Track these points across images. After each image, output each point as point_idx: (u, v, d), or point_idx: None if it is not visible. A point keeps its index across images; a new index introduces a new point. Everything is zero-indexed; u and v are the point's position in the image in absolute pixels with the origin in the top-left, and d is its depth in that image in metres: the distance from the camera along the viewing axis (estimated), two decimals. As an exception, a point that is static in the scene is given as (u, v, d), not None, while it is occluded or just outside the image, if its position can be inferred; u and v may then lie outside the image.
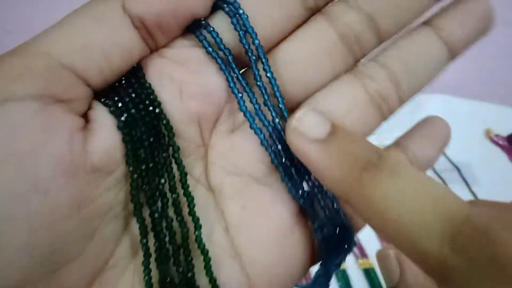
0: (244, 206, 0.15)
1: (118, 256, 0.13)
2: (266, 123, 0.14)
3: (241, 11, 0.14)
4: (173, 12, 0.13)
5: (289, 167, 0.14)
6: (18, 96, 0.11)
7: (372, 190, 0.11)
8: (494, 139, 0.58)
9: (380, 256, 0.16)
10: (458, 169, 0.52)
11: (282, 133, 0.14)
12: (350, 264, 0.40)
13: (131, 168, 0.13)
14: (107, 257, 0.13)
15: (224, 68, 0.14)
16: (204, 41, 0.14)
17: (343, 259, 0.15)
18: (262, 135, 0.14)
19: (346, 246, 0.15)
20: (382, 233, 0.11)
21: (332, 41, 0.15)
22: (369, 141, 0.13)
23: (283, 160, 0.14)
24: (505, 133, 0.58)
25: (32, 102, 0.11)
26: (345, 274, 0.39)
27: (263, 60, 0.14)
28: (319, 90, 0.15)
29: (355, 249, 0.41)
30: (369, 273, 0.39)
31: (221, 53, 0.14)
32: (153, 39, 0.14)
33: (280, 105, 0.14)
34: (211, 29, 0.14)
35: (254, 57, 0.14)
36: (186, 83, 0.14)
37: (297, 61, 0.15)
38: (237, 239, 0.14)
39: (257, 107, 0.14)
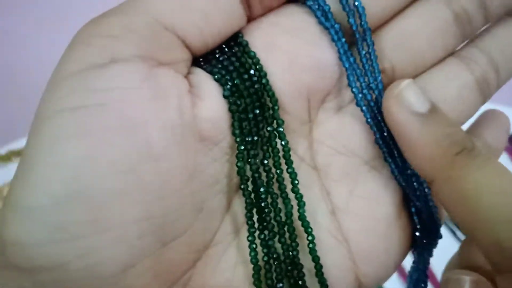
0: (352, 191, 0.14)
1: (222, 231, 0.13)
2: (372, 102, 0.14)
3: None
4: None
5: (393, 148, 0.14)
6: (123, 57, 0.11)
7: (463, 176, 0.11)
8: (494, 139, 0.58)
9: (449, 281, 0.14)
10: (458, 169, 0.52)
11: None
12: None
13: (238, 139, 0.13)
14: (214, 232, 0.13)
15: (336, 41, 0.13)
16: (317, 11, 0.13)
17: (433, 248, 0.16)
18: (368, 114, 0.14)
19: (434, 237, 0.15)
20: (461, 221, 0.12)
21: (447, 20, 0.15)
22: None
23: (388, 140, 0.14)
24: (505, 133, 0.58)
25: (139, 63, 0.11)
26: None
27: (369, 44, 0.14)
28: (428, 69, 0.15)
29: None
30: (369, 273, 0.39)
31: (333, 25, 0.14)
32: (253, 5, 0.13)
33: (380, 86, 0.14)
34: (324, 1, 0.13)
35: (360, 39, 0.14)
36: (297, 55, 0.14)
37: (410, 36, 0.15)
38: (344, 224, 0.14)
39: (364, 85, 0.14)
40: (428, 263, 0.16)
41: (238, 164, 0.13)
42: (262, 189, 0.13)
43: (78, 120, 0.10)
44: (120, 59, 0.11)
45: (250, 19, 0.14)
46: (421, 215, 0.15)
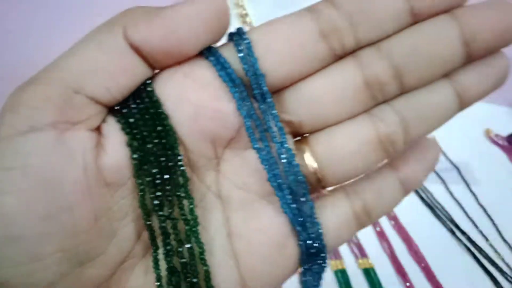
0: (245, 219, 0.16)
1: (134, 253, 0.15)
2: (267, 146, 0.16)
3: (251, 56, 0.15)
4: (166, 53, 0.14)
5: (283, 187, 0.16)
6: (39, 125, 0.13)
7: None
8: (494, 139, 0.58)
9: None
10: (458, 169, 0.52)
11: (281, 157, 0.16)
12: (350, 264, 0.40)
13: (140, 187, 0.15)
14: (128, 251, 0.15)
15: (234, 93, 0.15)
16: (218, 68, 0.15)
17: (321, 272, 0.17)
18: (261, 155, 0.16)
19: (321, 263, 0.17)
20: None
21: (357, 85, 0.16)
22: None
23: (278, 180, 0.16)
24: (505, 133, 0.59)
25: (51, 130, 0.13)
26: (345, 274, 0.39)
27: (270, 106, 0.15)
28: (336, 123, 0.16)
29: (355, 249, 0.41)
30: (369, 273, 0.39)
31: (232, 81, 0.15)
32: (155, 63, 0.15)
33: (281, 136, 0.16)
34: (223, 60, 0.15)
35: (262, 100, 0.15)
36: (202, 106, 0.15)
37: (319, 98, 0.16)
38: (236, 246, 0.16)
39: (262, 132, 0.16)
40: (317, 285, 0.18)
41: (140, 202, 0.15)
42: (162, 218, 0.15)
43: (8, 179, 0.13)
44: (37, 128, 0.13)
45: (159, 68, 0.15)
46: (307, 246, 0.16)
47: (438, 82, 0.16)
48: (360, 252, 0.41)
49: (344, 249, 0.42)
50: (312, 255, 0.16)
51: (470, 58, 0.15)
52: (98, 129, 0.15)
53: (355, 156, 0.16)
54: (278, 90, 0.16)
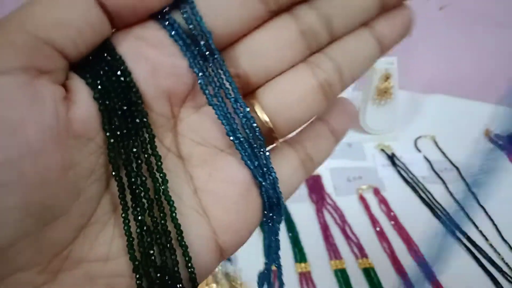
0: (209, 173, 0.17)
1: (100, 212, 0.15)
2: (222, 101, 0.17)
3: (195, 13, 0.16)
4: (131, 8, 0.15)
5: (242, 140, 0.17)
6: (5, 69, 0.13)
7: None
8: (494, 139, 0.58)
9: None
10: (458, 169, 0.53)
11: (236, 112, 0.17)
12: (350, 263, 0.40)
13: (108, 134, 0.15)
14: (90, 214, 0.15)
15: (186, 52, 0.16)
16: (169, 29, 0.16)
17: (279, 222, 0.19)
18: (218, 111, 0.16)
19: (279, 211, 0.18)
20: None
21: (294, 36, 0.17)
22: None
23: (237, 134, 0.17)
24: (505, 133, 0.59)
25: (19, 74, 0.13)
26: (345, 274, 0.39)
27: (219, 60, 0.16)
28: (278, 74, 0.18)
29: (355, 249, 0.41)
30: (369, 273, 0.39)
31: (183, 40, 0.16)
32: (118, 21, 0.15)
33: (234, 90, 0.17)
34: (173, 20, 0.16)
35: (210, 55, 0.16)
36: (158, 63, 0.16)
37: (260, 50, 0.17)
38: (204, 201, 0.17)
39: (216, 89, 0.17)
40: (277, 233, 0.19)
41: (110, 155, 0.15)
42: (132, 174, 0.15)
43: None
44: (2, 71, 0.13)
45: (116, 29, 0.16)
46: (268, 194, 0.17)
47: (360, 31, 0.18)
48: (360, 252, 0.41)
49: (344, 249, 0.42)
50: (272, 204, 0.18)
51: (382, 9, 0.18)
52: (63, 85, 0.15)
53: (301, 103, 0.18)
54: (223, 48, 0.17)
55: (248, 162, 0.17)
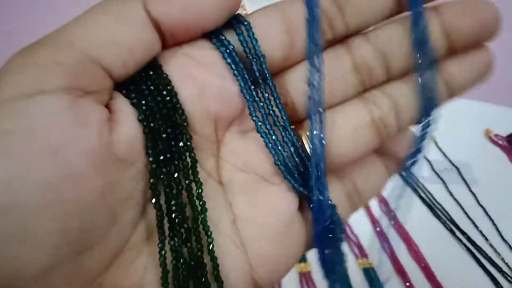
0: (250, 202, 0.16)
1: (134, 240, 0.14)
2: (271, 129, 0.16)
3: (251, 36, 0.15)
4: (185, 26, 0.14)
5: (290, 168, 0.16)
6: (50, 89, 0.12)
7: None
8: (494, 139, 0.58)
9: None
10: (458, 169, 0.52)
11: (285, 140, 0.16)
12: (350, 264, 0.40)
13: (151, 159, 0.14)
14: (126, 241, 0.14)
15: (238, 76, 0.15)
16: (223, 50, 0.15)
17: (339, 246, 0.18)
18: (267, 139, 0.16)
19: (337, 237, 0.17)
20: None
21: (347, 69, 0.16)
22: None
23: (285, 162, 0.16)
24: (505, 133, 0.59)
25: (64, 95, 0.12)
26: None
27: (271, 86, 0.16)
28: (331, 107, 0.17)
29: (355, 249, 0.41)
30: (369, 273, 0.39)
31: (236, 63, 0.15)
32: (170, 39, 0.15)
33: (283, 117, 0.16)
34: (227, 41, 0.15)
35: (262, 80, 0.16)
36: (206, 84, 0.15)
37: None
38: (243, 232, 0.16)
39: (264, 116, 0.16)
40: (342, 255, 0.18)
41: (151, 181, 0.14)
42: (172, 202, 0.14)
43: (8, 142, 0.11)
44: (47, 90, 0.12)
45: (165, 47, 0.15)
46: (320, 219, 0.16)
47: (400, 81, 0.17)
48: (360, 252, 0.41)
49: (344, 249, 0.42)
50: (328, 233, 0.17)
51: (453, 49, 0.16)
52: (106, 105, 0.14)
53: (351, 139, 0.17)
54: (274, 74, 0.16)
55: (300, 188, 0.16)
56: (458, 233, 0.44)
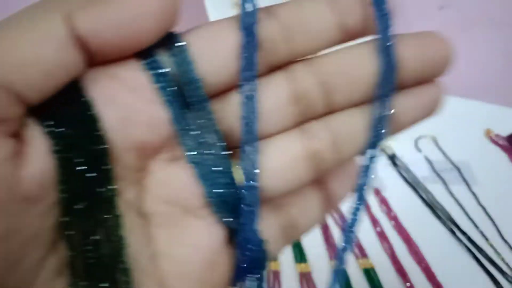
0: (172, 237, 0.15)
1: (43, 278, 0.13)
2: (202, 157, 0.15)
3: (186, 58, 0.14)
4: (116, 46, 0.13)
5: (221, 200, 0.15)
6: None
7: None
8: (494, 139, 0.58)
9: None
10: (458, 169, 0.52)
11: (217, 170, 0.15)
12: (350, 264, 0.40)
13: (63, 195, 0.13)
14: (33, 280, 0.13)
15: (168, 102, 0.14)
16: (154, 73, 0.14)
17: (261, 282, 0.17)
18: (197, 169, 0.15)
19: (259, 270, 0.16)
20: None
21: (286, 99, 0.15)
22: None
23: (217, 193, 0.15)
24: (505, 133, 0.59)
25: None
26: (345, 274, 0.39)
27: (206, 112, 0.15)
28: (267, 137, 0.16)
29: (356, 249, 0.41)
30: (369, 273, 0.39)
31: (167, 88, 0.14)
32: (97, 58, 0.13)
33: (218, 146, 0.15)
34: (158, 62, 0.14)
35: (197, 105, 0.14)
36: (135, 111, 0.14)
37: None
38: (163, 268, 0.15)
39: (197, 144, 0.15)
40: None
41: (62, 219, 0.13)
42: (87, 238, 0.13)
43: None
44: None
45: (90, 66, 0.13)
46: (246, 253, 0.16)
47: (369, 105, 0.16)
48: (361, 252, 0.41)
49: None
50: (253, 266, 0.16)
51: (401, 85, 0.15)
52: (15, 134, 0.12)
53: (286, 172, 0.16)
54: (212, 97, 0.15)
55: (230, 220, 0.15)
56: (458, 233, 0.44)
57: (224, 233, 0.16)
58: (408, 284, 0.38)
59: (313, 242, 0.43)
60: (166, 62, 0.14)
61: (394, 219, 0.45)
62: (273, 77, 0.16)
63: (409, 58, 0.15)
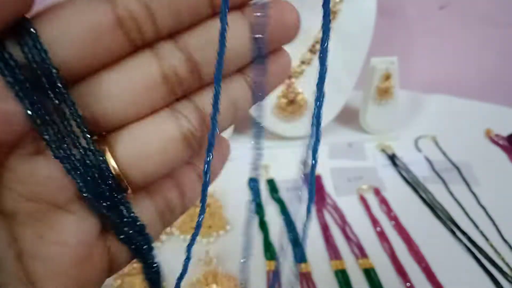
0: (38, 235, 0.14)
1: None
2: (67, 148, 0.14)
3: (39, 47, 0.13)
4: None
5: (96, 194, 0.15)
6: None
7: None
8: (494, 139, 0.58)
9: None
10: (458, 169, 0.52)
11: (88, 162, 0.14)
12: (350, 264, 0.40)
13: None
14: None
15: (20, 96, 0.13)
16: (1, 66, 0.12)
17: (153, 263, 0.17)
18: (67, 164, 0.14)
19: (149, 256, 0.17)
20: None
21: (155, 78, 0.15)
22: None
23: (87, 185, 0.14)
24: (505, 133, 0.59)
25: None
26: (346, 274, 0.39)
27: (66, 100, 0.14)
28: (139, 119, 0.16)
29: (356, 249, 0.41)
30: (369, 273, 0.39)
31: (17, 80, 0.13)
32: None
33: (83, 134, 0.14)
34: (8, 55, 0.13)
35: (55, 93, 0.13)
36: None
37: (113, 91, 0.15)
38: (31, 269, 0.14)
39: (59, 135, 0.14)
40: (158, 269, 0.17)
41: None
42: None
43: None
44: None
45: None
46: (131, 240, 0.16)
47: (234, 77, 0.16)
48: (361, 252, 0.41)
49: (344, 250, 0.42)
50: (142, 251, 0.16)
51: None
52: None
53: (160, 155, 0.16)
54: (74, 83, 0.14)
55: (109, 213, 0.15)
56: (458, 233, 0.44)
57: (97, 226, 0.15)
58: (408, 284, 0.38)
59: (313, 242, 0.43)
60: (16, 52, 0.13)
61: (394, 219, 0.45)
62: (140, 55, 0.15)
63: (271, 24, 0.15)
